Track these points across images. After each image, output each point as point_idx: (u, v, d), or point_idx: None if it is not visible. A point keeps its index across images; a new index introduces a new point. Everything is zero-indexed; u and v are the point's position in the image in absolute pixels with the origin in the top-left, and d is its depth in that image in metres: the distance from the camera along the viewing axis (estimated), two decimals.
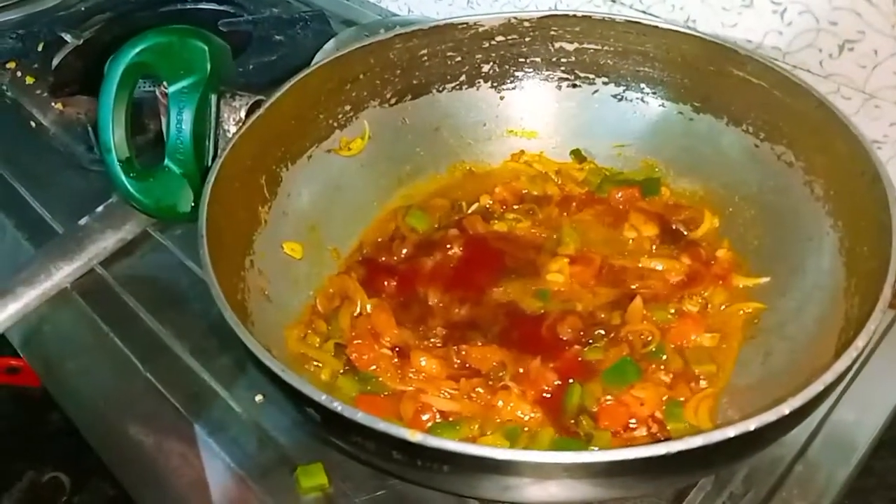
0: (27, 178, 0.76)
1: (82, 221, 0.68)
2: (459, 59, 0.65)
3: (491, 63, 0.65)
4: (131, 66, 0.55)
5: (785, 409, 0.35)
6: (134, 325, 0.62)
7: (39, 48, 0.85)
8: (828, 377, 0.37)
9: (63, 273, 0.64)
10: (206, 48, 0.55)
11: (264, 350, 0.39)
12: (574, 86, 0.65)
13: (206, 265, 0.44)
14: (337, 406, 0.36)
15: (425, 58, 0.64)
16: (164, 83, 0.67)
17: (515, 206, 0.61)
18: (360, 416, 0.35)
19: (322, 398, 0.36)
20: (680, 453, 0.34)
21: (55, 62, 0.85)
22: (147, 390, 0.58)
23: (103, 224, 0.67)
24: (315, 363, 0.50)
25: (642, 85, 0.63)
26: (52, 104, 0.80)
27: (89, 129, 0.75)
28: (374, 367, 0.50)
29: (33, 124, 0.80)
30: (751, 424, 0.35)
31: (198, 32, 0.56)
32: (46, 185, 0.75)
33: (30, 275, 0.64)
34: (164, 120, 0.69)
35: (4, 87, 0.82)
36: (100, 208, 0.68)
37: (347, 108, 0.63)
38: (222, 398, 0.56)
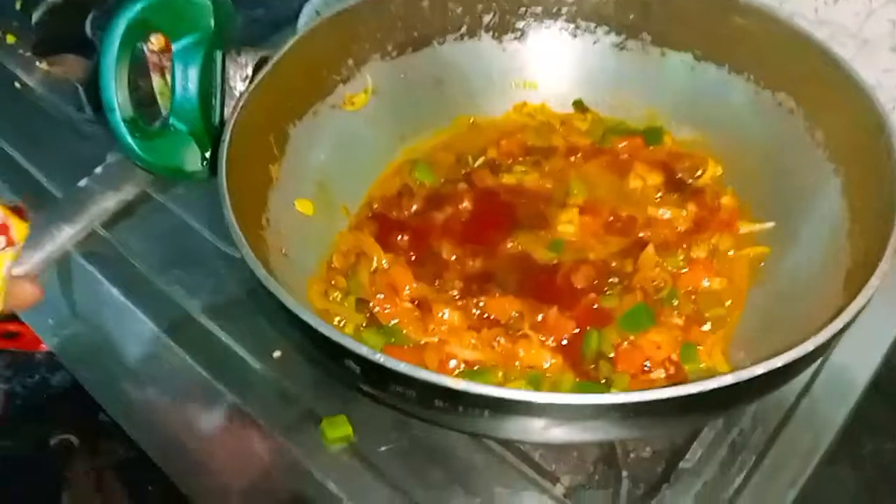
0: (17, 139, 0.75)
1: (82, 183, 0.66)
2: (460, 9, 0.64)
3: (492, 13, 0.65)
4: (133, 24, 0.54)
5: (809, 345, 0.37)
6: (142, 285, 0.62)
7: (17, 6, 0.83)
8: (847, 315, 0.39)
9: (66, 235, 0.63)
10: (210, 3, 0.54)
11: (301, 306, 0.40)
12: (575, 35, 0.65)
13: (232, 225, 0.44)
14: (380, 358, 0.37)
15: (426, 9, 0.64)
16: (152, 39, 0.66)
17: (521, 159, 0.62)
18: (404, 367, 0.36)
19: (365, 351, 0.37)
20: (713, 391, 0.36)
21: (34, 19, 0.82)
22: (161, 349, 0.59)
23: (103, 185, 0.66)
24: (338, 318, 0.51)
25: (643, 34, 0.64)
26: (38, 64, 0.78)
27: (79, 88, 0.74)
28: (396, 320, 0.51)
29: (18, 85, 0.78)
30: (778, 361, 0.37)
31: None
32: (38, 147, 0.74)
33: (33, 238, 0.63)
34: (154, 77, 0.68)
35: None
36: (98, 169, 0.67)
37: (350, 62, 0.62)
38: (239, 355, 0.57)
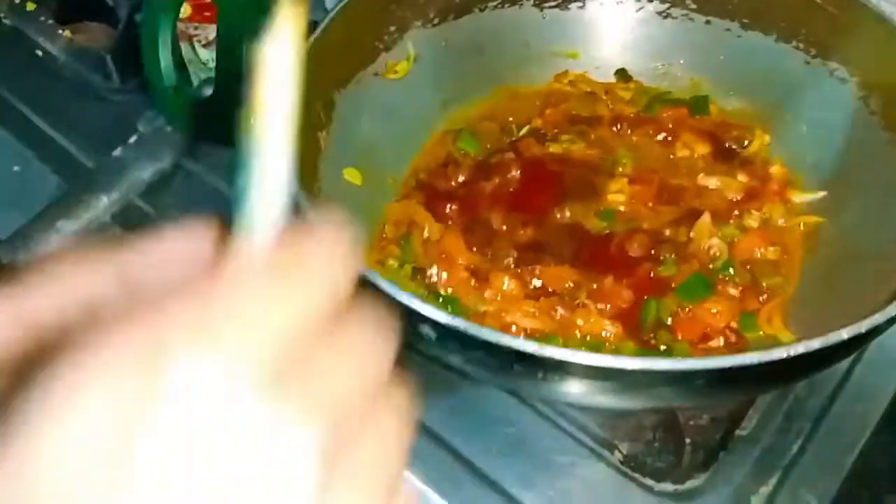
0: (42, 108, 0.73)
1: (116, 153, 0.66)
2: None
3: None
4: None
5: (892, 310, 0.37)
6: None
7: None
8: None
9: (103, 205, 0.63)
10: None
11: (374, 270, 0.39)
12: (618, 2, 0.65)
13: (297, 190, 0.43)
14: (460, 323, 0.37)
15: None
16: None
17: (567, 128, 0.61)
18: (487, 333, 0.36)
19: (446, 317, 0.37)
20: (797, 357, 0.36)
21: None
22: None
23: (138, 154, 0.66)
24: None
25: (688, 1, 0.63)
26: (60, 31, 0.76)
27: (107, 57, 0.72)
28: (451, 289, 0.50)
29: (40, 53, 0.76)
30: (862, 326, 0.36)
31: None
32: (64, 116, 0.72)
33: (68, 208, 0.62)
34: (182, 45, 0.67)
35: (2, 15, 0.78)
36: (132, 139, 0.66)
37: (392, 28, 0.61)
38: None
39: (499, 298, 0.50)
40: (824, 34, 0.57)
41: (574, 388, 0.39)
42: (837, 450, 0.50)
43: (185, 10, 0.74)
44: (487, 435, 0.51)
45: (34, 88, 0.75)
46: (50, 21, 0.77)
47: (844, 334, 0.36)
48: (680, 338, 0.49)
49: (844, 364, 0.53)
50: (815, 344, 0.36)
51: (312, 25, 0.55)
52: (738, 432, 0.50)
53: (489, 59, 0.64)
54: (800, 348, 0.36)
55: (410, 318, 0.39)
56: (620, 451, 0.49)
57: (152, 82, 0.54)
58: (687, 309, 0.49)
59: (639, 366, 0.35)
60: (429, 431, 0.50)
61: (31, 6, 0.78)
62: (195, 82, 0.64)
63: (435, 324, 0.38)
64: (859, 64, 0.55)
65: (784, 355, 0.35)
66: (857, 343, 0.39)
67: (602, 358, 0.35)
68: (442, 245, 0.53)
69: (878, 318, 0.37)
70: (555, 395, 0.45)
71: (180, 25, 0.65)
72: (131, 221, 0.64)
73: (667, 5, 0.64)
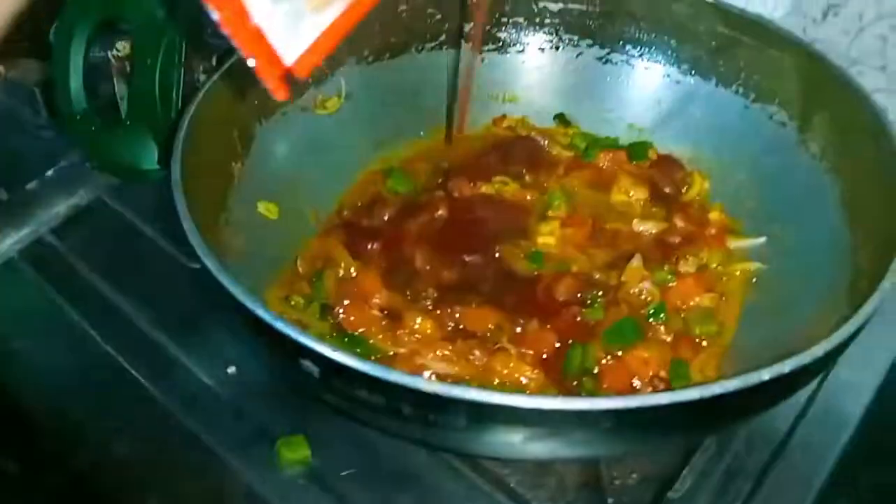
0: None
1: (30, 186, 0.62)
2: (440, 17, 0.62)
3: (472, 22, 0.63)
4: (89, 8, 0.51)
5: (819, 350, 0.34)
6: (90, 295, 0.57)
7: None
8: (859, 318, 0.35)
9: (10, 241, 0.59)
10: None
11: (254, 299, 0.35)
12: (557, 48, 0.63)
13: (183, 213, 0.40)
14: (341, 356, 0.33)
15: (404, 15, 0.61)
16: (118, 45, 0.62)
17: (501, 170, 0.59)
18: (369, 367, 0.32)
19: (325, 348, 0.33)
20: (715, 398, 0.32)
21: None
22: (107, 365, 0.53)
23: (55, 189, 0.62)
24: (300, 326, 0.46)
25: (628, 47, 0.62)
26: None
27: (36, 91, 0.70)
28: (363, 329, 0.47)
29: None
30: (786, 367, 0.33)
31: None
32: None
33: None
34: (117, 84, 0.65)
35: None
36: (50, 172, 0.63)
37: (322, 64, 0.59)
38: (191, 371, 0.52)
39: (414, 339, 0.46)
40: (763, 78, 0.56)
41: (470, 436, 0.35)
42: None
43: (124, 47, 0.72)
44: (397, 494, 0.46)
45: None
46: None
47: (765, 375, 0.33)
48: (605, 386, 0.45)
49: (787, 420, 0.49)
50: (733, 384, 0.32)
51: (229, 52, 0.53)
52: (669, 494, 0.45)
53: (425, 101, 0.63)
54: (715, 388, 0.32)
55: (292, 352, 0.35)
56: None
57: (61, 107, 0.51)
58: (612, 357, 0.46)
59: (534, 405, 0.31)
60: (332, 492, 0.46)
61: None
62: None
63: (317, 356, 0.34)
64: (798, 107, 0.54)
65: (697, 396, 0.32)
66: (784, 386, 0.35)
67: (494, 396, 0.31)
68: (357, 283, 0.49)
69: (802, 359, 0.33)
70: (454, 444, 0.41)
71: (118, 63, 0.63)
72: (41, 258, 0.60)
73: (606, 51, 0.62)
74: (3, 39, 0.78)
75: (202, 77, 0.52)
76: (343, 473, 0.47)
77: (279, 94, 0.32)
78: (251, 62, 0.31)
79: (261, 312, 0.35)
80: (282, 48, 0.32)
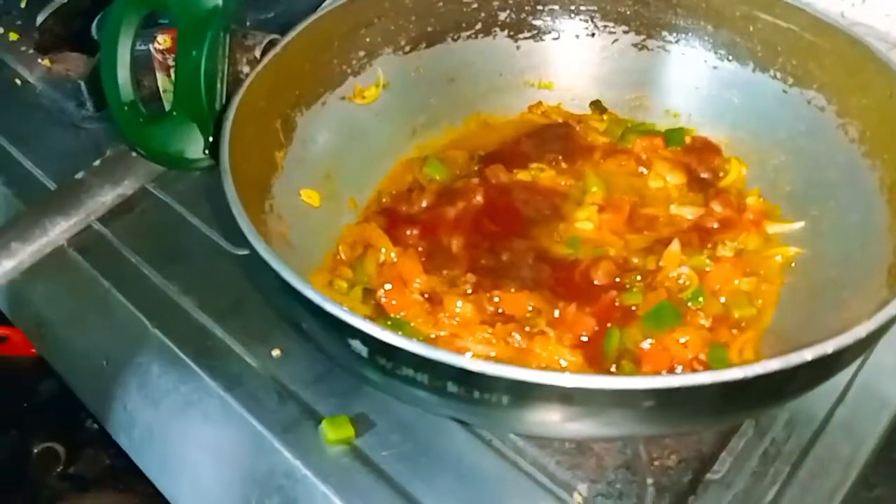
0: (14, 135, 0.72)
1: (79, 175, 0.64)
2: (475, 5, 0.63)
3: (508, 10, 0.63)
4: (136, 1, 0.52)
5: (862, 331, 0.34)
6: (138, 281, 0.59)
7: (23, 4, 0.81)
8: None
9: (59, 229, 0.61)
10: None
11: (304, 281, 0.37)
12: (593, 35, 0.63)
13: (232, 198, 0.41)
14: (387, 336, 0.34)
15: (440, 4, 0.62)
16: (158, 38, 0.64)
17: (538, 157, 0.59)
18: (416, 345, 0.33)
19: (373, 328, 0.34)
20: (756, 378, 0.32)
21: (39, 19, 0.81)
22: (156, 348, 0.55)
23: (101, 178, 0.64)
24: None
25: (664, 33, 0.62)
26: (39, 61, 0.76)
27: (81, 84, 0.72)
28: (404, 312, 0.48)
29: (18, 82, 0.76)
30: (829, 347, 0.33)
31: None
32: (36, 143, 0.71)
33: (24, 230, 0.60)
34: (159, 77, 0.66)
35: None
36: (97, 162, 0.65)
37: (361, 54, 0.60)
38: (237, 354, 0.54)
39: (454, 322, 0.47)
40: (801, 62, 0.56)
41: (511, 414, 0.36)
42: (818, 496, 0.45)
43: (165, 40, 0.73)
44: (440, 475, 0.47)
45: (10, 116, 0.75)
46: (30, 51, 0.77)
47: (808, 355, 0.33)
48: (644, 370, 0.45)
49: (827, 404, 0.49)
50: (774, 364, 0.33)
51: (272, 44, 0.54)
52: (708, 476, 0.46)
53: (461, 89, 0.63)
54: (757, 368, 0.32)
55: (341, 332, 0.36)
56: (580, 493, 0.45)
57: (108, 98, 0.53)
58: (652, 339, 0.46)
59: (577, 383, 0.32)
60: (375, 470, 0.47)
61: (13, 36, 0.78)
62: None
63: (365, 336, 0.35)
64: (836, 91, 0.53)
65: (739, 376, 0.32)
66: (825, 368, 0.36)
67: (531, 373, 0.32)
68: (397, 267, 0.50)
69: (844, 339, 0.34)
70: (496, 421, 0.41)
71: (160, 56, 0.65)
72: (90, 246, 0.62)
73: (642, 37, 0.62)
74: (48, 34, 0.81)
75: (246, 69, 0.53)
76: (384, 453, 0.48)
77: None
78: None
79: (311, 294, 0.36)
80: None
